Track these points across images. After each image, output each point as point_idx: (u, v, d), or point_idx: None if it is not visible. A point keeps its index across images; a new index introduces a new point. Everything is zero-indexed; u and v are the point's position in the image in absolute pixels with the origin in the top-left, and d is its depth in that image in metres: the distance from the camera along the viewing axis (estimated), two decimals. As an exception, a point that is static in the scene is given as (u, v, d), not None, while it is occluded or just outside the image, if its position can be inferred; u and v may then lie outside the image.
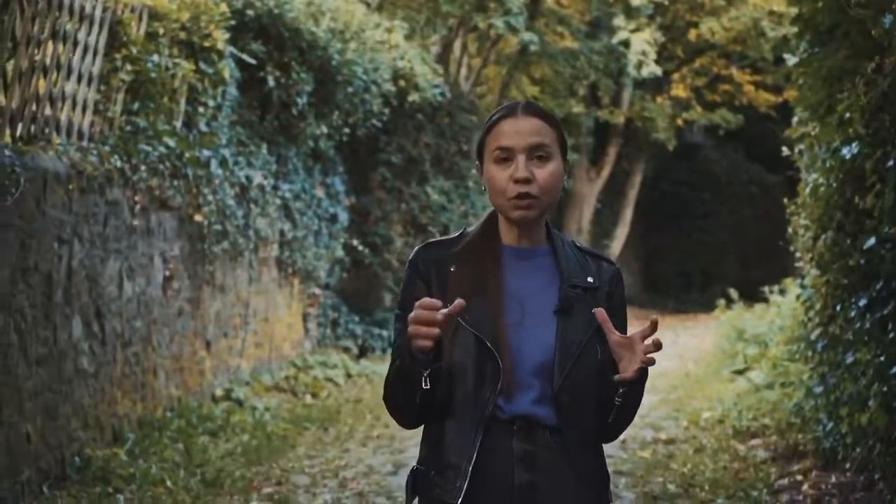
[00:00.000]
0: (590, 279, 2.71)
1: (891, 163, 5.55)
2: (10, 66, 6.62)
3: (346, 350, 13.21)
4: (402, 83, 13.42)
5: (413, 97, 13.54)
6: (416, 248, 2.79)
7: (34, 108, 6.90)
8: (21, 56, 6.73)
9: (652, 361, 2.56)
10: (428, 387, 2.55)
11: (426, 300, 2.48)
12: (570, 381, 2.61)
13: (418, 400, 2.59)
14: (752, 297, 15.55)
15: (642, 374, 2.60)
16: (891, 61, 5.95)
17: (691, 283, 25.28)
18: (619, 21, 18.99)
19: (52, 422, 6.80)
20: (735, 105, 22.43)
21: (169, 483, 6.92)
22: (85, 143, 7.51)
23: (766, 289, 13.70)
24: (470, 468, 2.59)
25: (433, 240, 2.82)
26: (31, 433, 6.51)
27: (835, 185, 6.25)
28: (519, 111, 2.70)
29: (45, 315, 6.71)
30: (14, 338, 6.32)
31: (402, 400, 2.65)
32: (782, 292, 13.00)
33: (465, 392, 2.62)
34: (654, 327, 2.56)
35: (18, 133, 6.74)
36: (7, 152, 6.20)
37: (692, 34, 20.84)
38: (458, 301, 2.48)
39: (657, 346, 2.57)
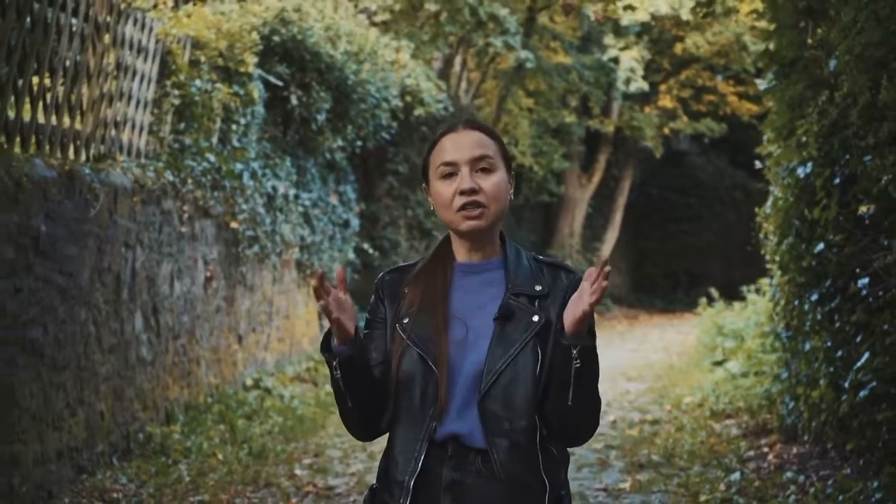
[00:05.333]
0: (538, 287, 2.69)
1: (837, 181, 6.63)
2: (85, 95, 7.70)
3: (358, 345, 14.24)
4: (408, 98, 14.48)
5: (419, 111, 14.61)
6: (381, 273, 2.84)
7: (103, 131, 7.98)
8: (93, 87, 7.80)
9: (597, 299, 2.51)
10: (339, 375, 2.61)
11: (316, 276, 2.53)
12: (499, 386, 2.61)
13: (349, 402, 2.67)
14: (735, 296, 16.57)
15: (590, 324, 2.58)
16: (839, 94, 7.02)
17: (678, 284, 26.24)
18: (608, 39, 20.14)
19: (119, 403, 7.86)
20: (719, 114, 23.44)
21: (220, 456, 7.99)
22: (143, 160, 8.58)
23: (745, 288, 14.81)
24: (412, 483, 2.62)
25: (396, 266, 2.86)
26: (104, 412, 7.59)
27: (791, 199, 7.34)
28: (460, 127, 2.73)
29: (114, 310, 7.78)
30: (92, 329, 7.39)
31: (340, 405, 2.71)
32: (758, 291, 14.07)
33: (412, 408, 2.65)
34: (602, 265, 2.53)
35: (91, 153, 7.82)
36: (87, 171, 7.28)
37: (678, 48, 21.90)
38: (315, 270, 2.71)
39: (605, 285, 2.51)
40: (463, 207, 2.67)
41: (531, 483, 2.63)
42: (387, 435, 2.78)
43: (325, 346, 2.65)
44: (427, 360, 2.64)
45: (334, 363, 2.62)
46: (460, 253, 2.76)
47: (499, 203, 2.69)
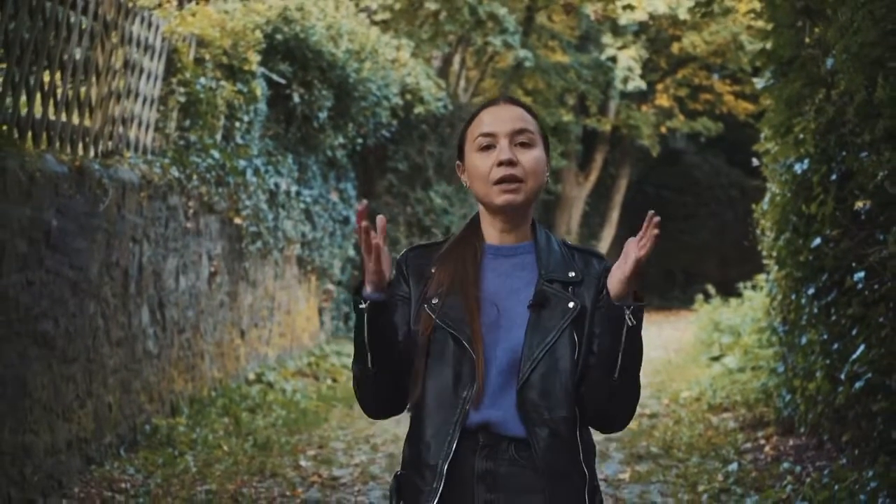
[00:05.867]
0: (571, 273, 2.65)
1: (833, 177, 6.76)
2: (94, 93, 7.81)
3: (358, 341, 14.37)
4: (408, 97, 14.62)
5: (418, 110, 14.74)
6: (405, 249, 2.76)
7: (111, 127, 8.10)
8: (102, 84, 7.92)
9: (648, 251, 2.48)
10: (367, 320, 2.55)
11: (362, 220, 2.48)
12: (537, 374, 2.57)
13: (371, 364, 2.59)
14: (732, 294, 16.73)
15: (637, 289, 2.56)
16: (836, 92, 7.15)
17: (674, 282, 26.39)
18: (606, 39, 20.29)
19: (126, 395, 7.98)
20: (716, 113, 23.60)
21: (225, 447, 8.11)
22: (149, 157, 8.70)
23: (741, 284, 14.97)
24: (446, 467, 2.56)
25: (422, 243, 2.80)
26: (112, 404, 7.70)
27: (789, 195, 7.48)
28: (500, 101, 2.69)
29: (122, 304, 7.89)
30: (101, 322, 7.51)
31: (360, 370, 2.64)
32: (754, 287, 14.23)
33: (444, 392, 2.59)
34: (650, 218, 2.47)
35: (100, 149, 7.93)
36: (96, 166, 7.40)
37: (675, 47, 22.04)
38: (361, 203, 2.53)
39: (656, 234, 2.46)
40: (500, 181, 2.60)
41: (572, 474, 2.59)
42: (407, 422, 2.72)
43: (357, 290, 2.59)
44: (462, 342, 2.58)
45: (363, 306, 2.55)
46: (491, 234, 2.70)
47: (536, 179, 2.64)
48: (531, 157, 2.62)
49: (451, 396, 2.58)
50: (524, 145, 2.63)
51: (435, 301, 2.62)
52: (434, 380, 2.61)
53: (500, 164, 2.60)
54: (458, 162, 2.74)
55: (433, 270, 2.67)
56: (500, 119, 2.64)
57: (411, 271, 2.70)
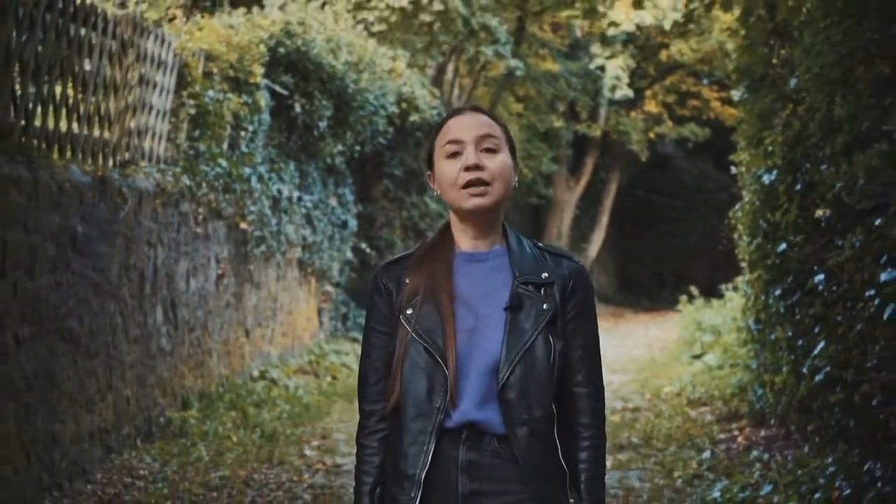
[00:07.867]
0: (544, 274, 2.69)
1: (797, 187, 7.34)
2: (112, 107, 8.37)
3: (355, 340, 14.94)
4: (404, 105, 15.19)
5: (414, 117, 15.31)
6: (378, 267, 2.80)
7: (128, 139, 8.65)
8: (120, 99, 8.48)
9: None
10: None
11: None
12: (516, 376, 2.60)
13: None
14: (717, 295, 17.26)
15: None
16: (801, 109, 7.73)
17: (663, 284, 26.88)
18: (595, 48, 20.88)
19: (142, 389, 8.54)
20: (703, 119, 24.15)
21: (235, 438, 8.68)
22: (162, 166, 9.26)
23: (724, 286, 15.55)
24: (423, 476, 2.61)
25: (392, 258, 2.83)
26: (129, 397, 8.26)
27: (758, 203, 8.07)
28: (466, 110, 2.73)
29: (139, 304, 8.45)
30: (119, 321, 8.07)
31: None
32: (735, 289, 14.80)
33: (418, 402, 2.63)
34: None
35: (118, 160, 8.49)
36: (116, 176, 7.96)
37: (663, 55, 22.63)
38: None
39: None
40: (468, 185, 2.65)
41: (552, 470, 2.65)
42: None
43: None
44: (432, 353, 2.63)
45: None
46: (463, 241, 2.74)
47: (503, 182, 2.68)
48: (497, 162, 2.67)
49: (426, 405, 2.64)
50: (490, 151, 2.68)
51: (409, 311, 2.68)
52: (410, 388, 2.66)
53: (467, 168, 2.65)
54: (428, 172, 2.80)
55: (407, 281, 2.72)
56: (465, 126, 2.69)
57: (391, 285, 2.74)
